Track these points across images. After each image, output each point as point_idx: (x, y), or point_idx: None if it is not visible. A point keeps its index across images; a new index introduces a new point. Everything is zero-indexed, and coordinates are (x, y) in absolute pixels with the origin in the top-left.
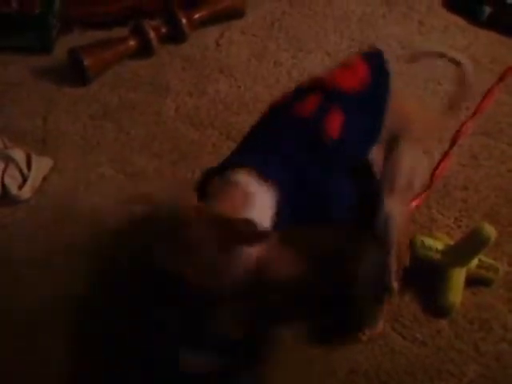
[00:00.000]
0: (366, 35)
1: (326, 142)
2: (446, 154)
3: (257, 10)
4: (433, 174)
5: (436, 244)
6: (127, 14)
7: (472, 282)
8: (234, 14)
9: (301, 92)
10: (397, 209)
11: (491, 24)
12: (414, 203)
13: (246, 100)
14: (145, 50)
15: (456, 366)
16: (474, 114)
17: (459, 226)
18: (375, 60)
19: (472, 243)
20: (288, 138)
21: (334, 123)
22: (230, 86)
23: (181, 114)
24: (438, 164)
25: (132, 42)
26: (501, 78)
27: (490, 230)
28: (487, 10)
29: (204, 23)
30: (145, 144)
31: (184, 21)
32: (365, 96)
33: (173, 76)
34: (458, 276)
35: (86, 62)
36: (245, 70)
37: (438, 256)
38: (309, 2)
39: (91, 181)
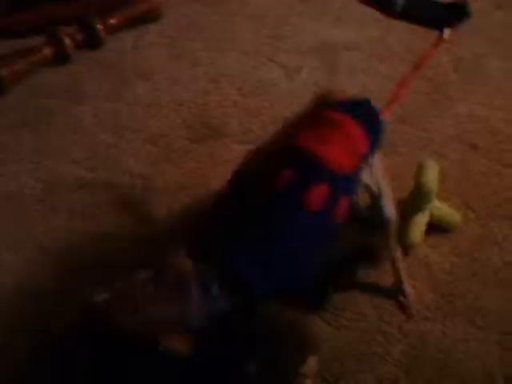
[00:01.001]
0: (282, 32)
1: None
2: None
3: (173, 12)
4: None
5: None
6: (43, 22)
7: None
8: (151, 17)
9: (274, 161)
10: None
11: (405, 15)
12: None
13: (164, 102)
14: (61, 58)
15: (382, 347)
16: (390, 101)
17: None
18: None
19: (419, 194)
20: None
21: (317, 197)
22: (148, 88)
23: (99, 120)
24: None
25: (48, 50)
26: (415, 68)
27: (430, 184)
28: (400, 1)
29: (120, 28)
30: (64, 151)
31: (99, 26)
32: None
33: (90, 82)
34: (418, 219)
35: (2, 72)
36: (162, 73)
37: None
38: (224, 1)
39: (11, 191)
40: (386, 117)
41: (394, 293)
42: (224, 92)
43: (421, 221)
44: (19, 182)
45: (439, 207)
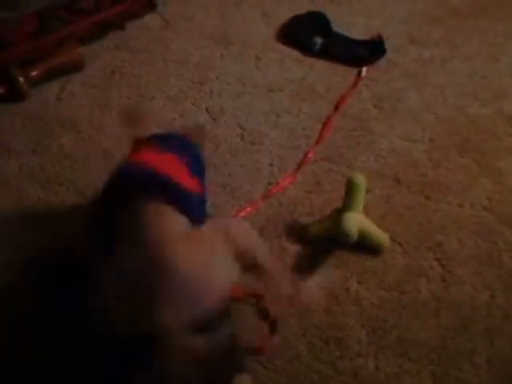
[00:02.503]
0: (206, 76)
1: None
2: (287, 176)
3: (96, 60)
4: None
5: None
6: None
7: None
8: (73, 67)
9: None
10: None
11: (324, 53)
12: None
13: (90, 152)
14: None
15: None
16: (317, 142)
17: (307, 251)
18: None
19: (350, 191)
20: None
21: None
22: (74, 139)
23: (25, 173)
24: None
25: None
26: (336, 106)
27: (359, 177)
28: (319, 40)
29: (43, 79)
30: None
31: (21, 79)
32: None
33: (14, 135)
34: (351, 218)
35: None
36: (88, 122)
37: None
38: (148, 48)
39: None
40: (312, 156)
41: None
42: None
43: (354, 217)
44: None
45: (367, 225)
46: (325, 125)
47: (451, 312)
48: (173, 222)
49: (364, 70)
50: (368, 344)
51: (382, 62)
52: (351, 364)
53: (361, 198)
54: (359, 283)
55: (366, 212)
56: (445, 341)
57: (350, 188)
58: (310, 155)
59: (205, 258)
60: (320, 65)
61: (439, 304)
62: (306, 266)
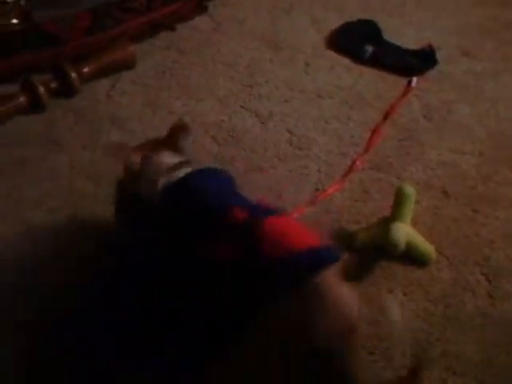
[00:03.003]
0: (255, 79)
1: None
2: (335, 183)
3: (147, 60)
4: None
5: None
6: (16, 70)
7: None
8: (125, 65)
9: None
10: None
11: (374, 62)
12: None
13: None
14: (36, 106)
15: None
16: (366, 150)
17: (354, 259)
18: None
19: (399, 201)
20: None
21: None
22: (123, 136)
23: (75, 168)
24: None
25: (22, 99)
26: (386, 115)
27: (409, 188)
28: (370, 48)
29: (94, 76)
30: (39, 200)
31: (74, 75)
32: None
33: (65, 130)
34: (400, 228)
35: None
36: (137, 121)
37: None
38: (198, 50)
39: None
40: (360, 164)
41: None
42: (198, 141)
43: (402, 227)
44: None
45: (415, 236)
46: (373, 133)
47: (497, 328)
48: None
49: (414, 79)
50: (412, 356)
51: (432, 73)
52: (395, 375)
53: (410, 209)
54: (404, 294)
55: (414, 223)
56: (489, 357)
57: (400, 198)
58: (358, 163)
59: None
60: (370, 73)
61: (485, 319)
62: (352, 273)
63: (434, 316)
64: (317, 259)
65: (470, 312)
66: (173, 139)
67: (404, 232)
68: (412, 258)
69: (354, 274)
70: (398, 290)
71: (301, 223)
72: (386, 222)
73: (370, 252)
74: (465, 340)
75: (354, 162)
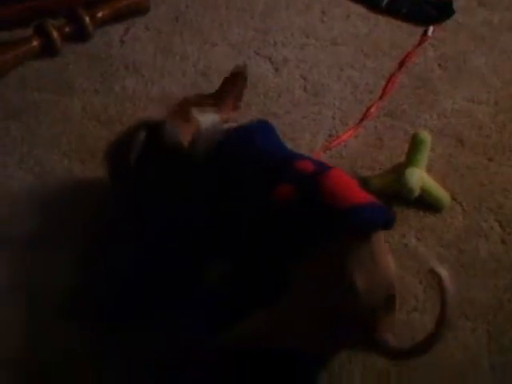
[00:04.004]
0: (269, 26)
1: None
2: (349, 129)
3: (160, 5)
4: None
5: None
6: (29, 14)
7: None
8: (138, 10)
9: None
10: None
11: (390, 11)
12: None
13: (152, 95)
14: (49, 50)
15: None
16: (380, 97)
17: None
18: None
19: (414, 147)
20: None
21: None
22: (137, 82)
23: (88, 113)
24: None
25: (35, 43)
26: (401, 64)
27: (424, 134)
28: None
29: (108, 21)
30: (52, 143)
31: (87, 19)
32: None
33: (78, 75)
34: (415, 173)
35: None
36: (151, 66)
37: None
38: None
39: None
40: (375, 111)
41: None
42: (213, 86)
43: (417, 172)
44: (7, 173)
45: (430, 182)
46: (388, 81)
47: (509, 274)
48: None
49: (431, 29)
50: (424, 300)
51: (449, 23)
52: (407, 317)
53: (425, 155)
54: (418, 239)
55: (428, 170)
56: (501, 302)
57: (415, 144)
58: (372, 110)
59: None
60: (385, 22)
61: (498, 265)
62: None
63: (447, 261)
64: (378, 215)
65: (483, 258)
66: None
67: (419, 177)
68: (426, 203)
69: None
70: (410, 234)
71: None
72: (401, 168)
73: (384, 197)
74: (477, 285)
75: (368, 109)
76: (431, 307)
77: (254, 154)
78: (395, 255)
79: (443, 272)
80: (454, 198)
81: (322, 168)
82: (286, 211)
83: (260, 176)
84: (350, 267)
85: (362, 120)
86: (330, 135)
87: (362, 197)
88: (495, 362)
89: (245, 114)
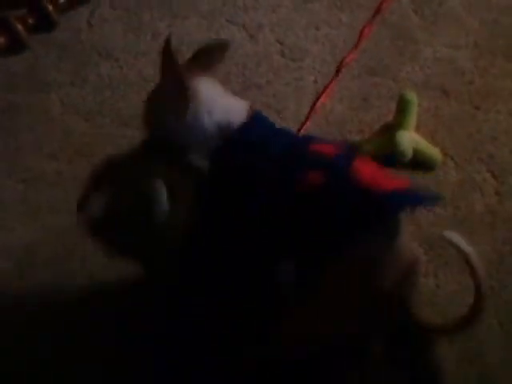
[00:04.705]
0: None
1: None
2: (325, 87)
3: None
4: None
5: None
6: None
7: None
8: None
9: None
10: None
11: None
12: None
13: (130, 80)
14: (15, 45)
15: None
16: (355, 47)
17: None
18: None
19: (402, 108)
20: None
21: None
22: (112, 67)
23: (67, 107)
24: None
25: (0, 39)
26: (374, 14)
27: (410, 95)
28: None
29: (72, 5)
30: (37, 146)
31: (50, 7)
32: None
33: (51, 68)
34: (405, 135)
35: None
36: (123, 48)
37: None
38: None
39: None
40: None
41: None
42: None
43: (408, 135)
44: None
45: (420, 142)
46: (361, 32)
47: (507, 225)
48: None
49: None
50: (427, 262)
51: None
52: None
53: (413, 115)
54: None
55: (416, 127)
56: (502, 255)
57: (402, 105)
58: (347, 60)
59: None
60: None
61: (494, 218)
62: None
63: (445, 219)
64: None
65: (480, 212)
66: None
67: (410, 139)
68: (419, 163)
69: None
70: None
71: None
72: (391, 131)
73: (377, 161)
74: (476, 240)
75: (342, 61)
76: (434, 269)
77: (267, 150)
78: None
79: (468, 249)
80: (445, 153)
81: (342, 151)
82: (320, 202)
83: (281, 169)
84: (380, 269)
85: (337, 72)
86: (315, 101)
87: (396, 183)
88: (502, 319)
89: (225, 87)
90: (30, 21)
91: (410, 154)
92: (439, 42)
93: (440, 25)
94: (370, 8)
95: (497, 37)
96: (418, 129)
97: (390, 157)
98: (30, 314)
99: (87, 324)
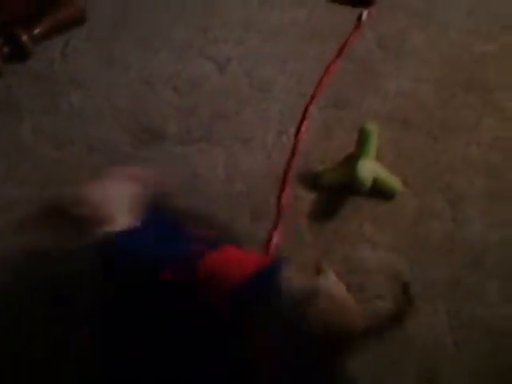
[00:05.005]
0: (210, 23)
1: None
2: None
3: (98, 13)
4: (279, 203)
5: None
6: None
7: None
8: (75, 22)
9: None
10: None
11: None
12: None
13: (101, 109)
14: None
15: None
16: (314, 94)
17: (322, 198)
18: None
19: (363, 139)
20: None
21: None
22: (83, 96)
23: (39, 135)
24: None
25: None
26: (339, 52)
27: (371, 125)
28: None
29: (46, 36)
30: (8, 173)
31: (25, 37)
32: None
33: (23, 95)
34: (366, 165)
35: None
36: (95, 78)
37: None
38: None
39: None
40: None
41: None
42: (159, 93)
43: (368, 164)
44: None
45: (381, 171)
46: (326, 70)
47: (463, 251)
48: None
49: (364, 14)
50: (385, 286)
51: (384, 2)
52: (370, 306)
53: (373, 145)
54: (375, 227)
55: (377, 156)
56: (458, 280)
57: (363, 136)
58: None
59: None
60: (322, 6)
61: (452, 244)
62: (321, 213)
63: (403, 246)
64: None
65: (438, 238)
66: None
67: (370, 169)
68: (379, 192)
69: (324, 213)
70: (367, 224)
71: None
72: (352, 160)
73: (338, 191)
74: (434, 265)
75: (306, 108)
76: (392, 293)
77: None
78: (354, 246)
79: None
80: (404, 182)
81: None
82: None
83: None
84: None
85: (303, 117)
86: (279, 132)
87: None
88: (457, 339)
89: (193, 119)
90: (5, 50)
91: (369, 182)
92: (402, 75)
93: (403, 59)
94: (336, 42)
95: (457, 70)
96: (378, 159)
97: (349, 186)
98: None
99: None
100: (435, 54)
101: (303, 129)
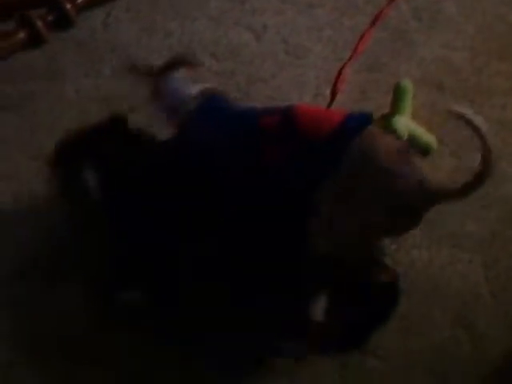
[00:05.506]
0: None
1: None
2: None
3: None
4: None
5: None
6: (11, 6)
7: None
8: None
9: None
10: None
11: None
12: None
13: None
14: (35, 40)
15: None
16: (350, 57)
17: None
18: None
19: (398, 96)
20: None
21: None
22: (125, 61)
23: (82, 94)
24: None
25: (21, 34)
26: (374, 19)
27: (406, 82)
28: None
29: (89, 6)
30: (52, 128)
31: (68, 6)
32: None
33: (67, 61)
34: (400, 120)
35: None
36: (135, 46)
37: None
38: None
39: (8, 174)
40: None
41: None
42: (198, 58)
43: (403, 120)
44: (14, 162)
45: (415, 127)
46: (362, 36)
47: (499, 206)
48: None
49: None
50: (422, 237)
51: None
52: (407, 256)
53: (408, 102)
54: None
55: (412, 118)
56: (494, 233)
57: (398, 93)
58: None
59: None
60: None
61: (488, 200)
62: None
63: None
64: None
65: (474, 195)
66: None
67: (405, 123)
68: (414, 149)
69: None
70: None
71: None
72: (386, 118)
73: None
74: (470, 219)
75: (341, 69)
76: (428, 243)
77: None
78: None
79: (477, 118)
80: (440, 142)
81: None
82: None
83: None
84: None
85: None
86: (315, 94)
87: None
88: (494, 289)
89: (230, 82)
90: (50, 18)
91: (404, 135)
92: (436, 43)
93: (437, 29)
94: (370, 14)
95: (491, 40)
96: (414, 119)
97: None
98: None
99: None
100: (469, 24)
101: (338, 89)
